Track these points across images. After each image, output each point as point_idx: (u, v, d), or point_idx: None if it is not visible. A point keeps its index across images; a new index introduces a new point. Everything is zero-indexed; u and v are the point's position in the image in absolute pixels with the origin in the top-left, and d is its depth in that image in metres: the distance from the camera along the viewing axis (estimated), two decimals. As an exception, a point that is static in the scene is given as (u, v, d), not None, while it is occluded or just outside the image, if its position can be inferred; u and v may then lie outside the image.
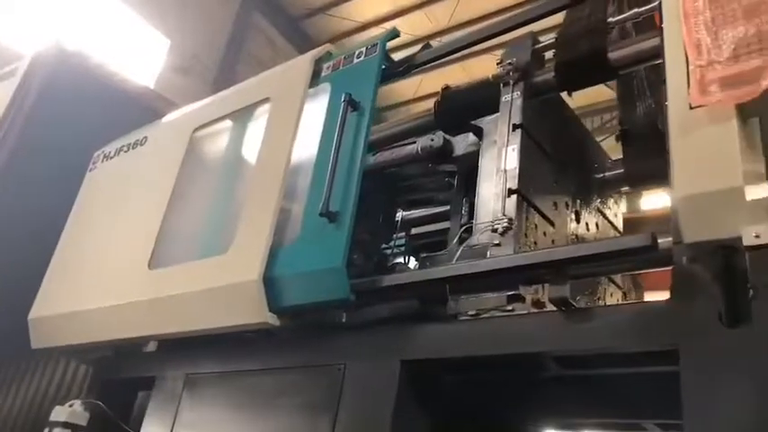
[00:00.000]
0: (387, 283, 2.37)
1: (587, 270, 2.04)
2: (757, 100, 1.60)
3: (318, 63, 2.94)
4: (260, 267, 2.46)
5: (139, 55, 9.61)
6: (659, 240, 1.77)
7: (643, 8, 2.35)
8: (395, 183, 3.43)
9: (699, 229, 1.56)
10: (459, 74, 8.17)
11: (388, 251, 3.34)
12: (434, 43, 3.27)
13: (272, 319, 2.48)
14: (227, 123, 3.20)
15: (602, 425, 3.10)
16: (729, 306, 1.53)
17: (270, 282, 2.46)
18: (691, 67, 1.69)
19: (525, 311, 2.15)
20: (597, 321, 1.87)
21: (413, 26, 10.28)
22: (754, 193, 1.53)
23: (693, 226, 1.56)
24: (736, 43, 1.64)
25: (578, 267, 1.93)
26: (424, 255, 2.73)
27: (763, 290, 1.34)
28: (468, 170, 2.83)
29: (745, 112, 1.68)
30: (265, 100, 2.98)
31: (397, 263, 3.30)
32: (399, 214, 3.49)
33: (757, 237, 1.37)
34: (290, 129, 2.71)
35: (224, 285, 2.59)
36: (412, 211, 3.47)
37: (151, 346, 3.51)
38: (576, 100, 2.72)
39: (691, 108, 1.65)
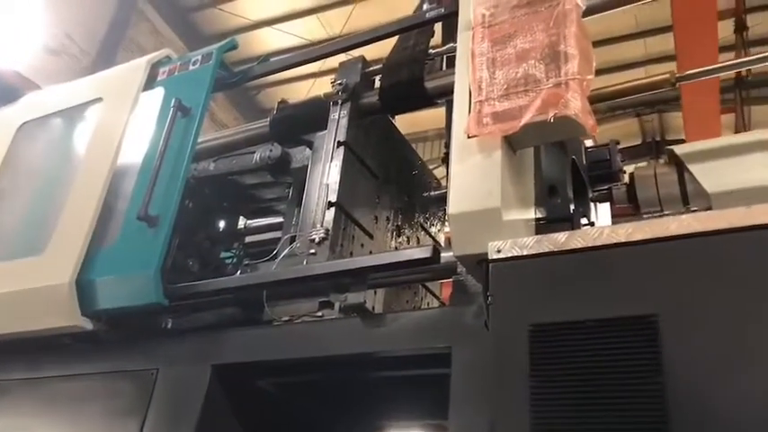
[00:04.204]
0: (201, 288, 2.40)
1: (384, 280, 2.20)
2: (531, 133, 1.84)
3: (156, 67, 2.93)
4: (73, 270, 2.41)
5: (9, 34, 8.78)
6: (443, 254, 1.97)
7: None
8: (237, 191, 3.46)
9: (465, 244, 1.75)
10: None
11: (229, 259, 3.37)
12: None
13: (85, 323, 2.43)
14: (57, 120, 3.09)
15: (422, 425, 3.31)
16: (487, 313, 1.73)
17: (84, 285, 2.42)
18: (472, 101, 1.91)
19: (334, 317, 2.27)
20: (389, 326, 2.03)
21: (307, 31, 10.30)
22: (511, 214, 1.76)
23: (461, 241, 1.76)
24: (508, 83, 1.87)
25: (375, 277, 2.09)
26: (247, 262, 2.79)
27: (497, 298, 1.54)
28: (303, 182, 2.94)
29: (518, 143, 1.92)
30: (98, 100, 2.92)
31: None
32: (242, 222, 3.52)
33: (498, 252, 1.57)
34: (119, 131, 2.68)
35: (36, 288, 2.50)
36: (254, 220, 3.52)
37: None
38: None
39: (468, 137, 1.86)
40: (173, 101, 2.60)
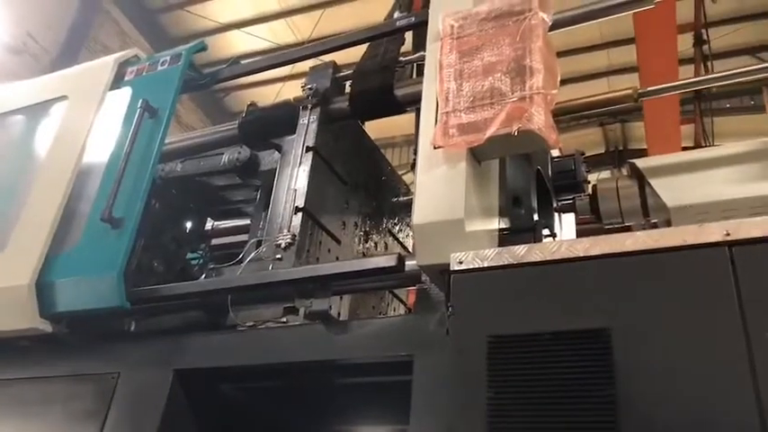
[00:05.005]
0: (165, 292, 2.38)
1: (349, 287, 2.21)
2: (495, 145, 1.87)
3: (123, 66, 2.89)
4: (33, 271, 2.37)
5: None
6: (408, 262, 1.99)
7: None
8: (205, 192, 3.43)
9: (428, 254, 1.77)
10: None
11: (195, 260, 3.34)
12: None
13: (43, 325, 2.39)
14: (20, 117, 3.03)
15: (384, 430, 3.32)
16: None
17: (44, 287, 2.38)
18: (439, 112, 1.93)
19: (298, 323, 2.27)
20: (352, 334, 2.04)
21: (275, 34, 10.23)
22: (475, 225, 1.79)
23: (425, 250, 1.78)
24: (475, 95, 1.90)
25: (340, 284, 2.10)
26: (212, 266, 2.78)
27: (457, 309, 1.57)
28: (271, 185, 2.93)
29: (482, 154, 1.94)
30: (63, 97, 2.87)
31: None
32: (210, 224, 3.49)
33: (460, 263, 1.60)
34: (84, 130, 2.65)
35: (-7, 288, 2.45)
36: (222, 222, 3.50)
37: None
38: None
39: (435, 148, 1.88)
40: (140, 101, 2.57)
